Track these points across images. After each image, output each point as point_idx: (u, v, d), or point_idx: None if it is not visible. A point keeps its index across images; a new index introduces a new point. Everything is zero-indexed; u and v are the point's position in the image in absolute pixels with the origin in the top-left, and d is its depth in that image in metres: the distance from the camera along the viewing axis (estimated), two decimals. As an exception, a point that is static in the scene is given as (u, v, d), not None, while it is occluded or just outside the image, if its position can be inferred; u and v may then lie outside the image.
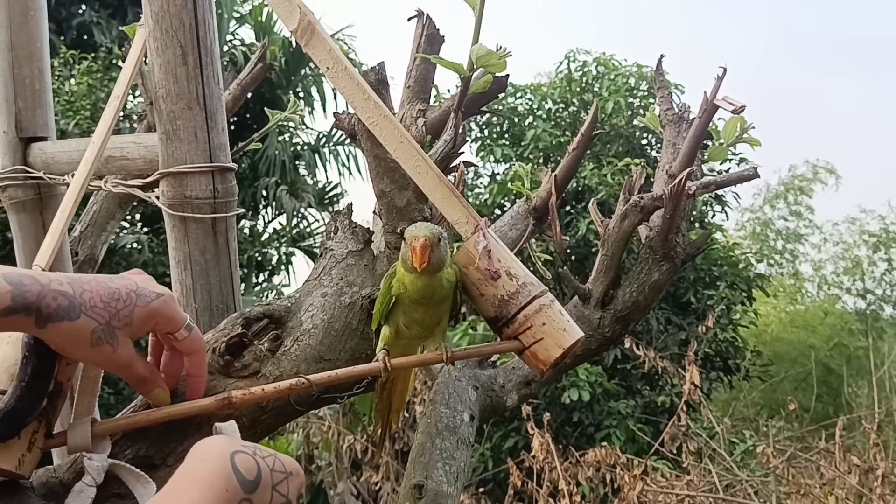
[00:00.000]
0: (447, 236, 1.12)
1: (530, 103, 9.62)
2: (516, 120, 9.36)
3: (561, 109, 9.46)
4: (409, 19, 1.71)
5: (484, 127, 9.49)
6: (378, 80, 1.30)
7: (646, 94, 9.14)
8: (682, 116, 2.01)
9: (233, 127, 10.65)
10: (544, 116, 9.34)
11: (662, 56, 2.06)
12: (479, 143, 9.35)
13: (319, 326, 1.18)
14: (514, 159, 8.59)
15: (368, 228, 1.30)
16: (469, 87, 1.47)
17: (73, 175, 1.47)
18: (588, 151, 8.76)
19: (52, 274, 0.90)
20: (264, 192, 10.60)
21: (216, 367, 1.11)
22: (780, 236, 15.90)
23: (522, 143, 8.73)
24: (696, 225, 8.87)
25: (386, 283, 1.12)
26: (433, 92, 1.79)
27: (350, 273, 1.24)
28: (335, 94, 11.12)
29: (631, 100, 9.15)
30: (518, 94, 9.65)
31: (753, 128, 1.94)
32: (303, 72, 11.46)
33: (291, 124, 11.40)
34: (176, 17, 1.30)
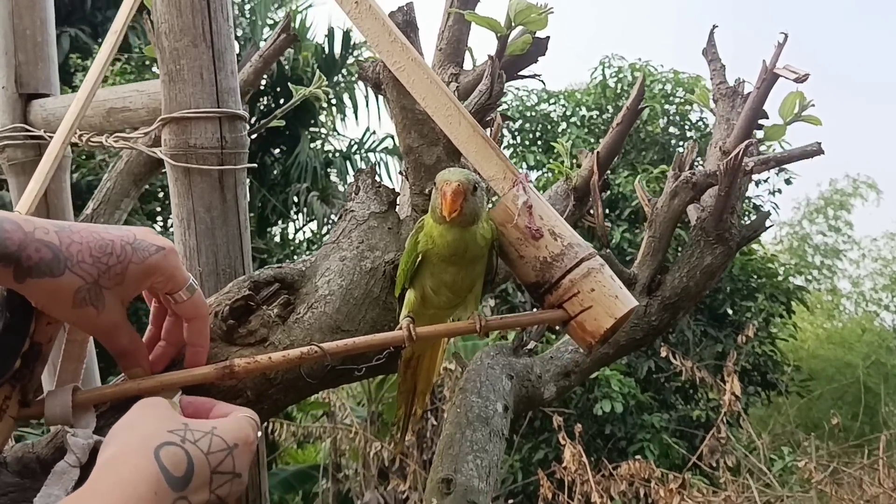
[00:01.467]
0: (484, 187, 0.98)
1: (564, 109, 9.48)
2: (549, 126, 9.22)
3: (595, 116, 9.30)
4: (442, -22, 1.58)
5: (517, 133, 9.36)
6: (406, 22, 1.16)
7: (682, 100, 8.96)
8: (736, 90, 1.85)
9: (264, 133, 10.66)
10: (578, 123, 9.19)
11: (715, 27, 1.91)
12: (512, 149, 9.21)
13: (337, 293, 1.04)
14: (547, 166, 8.44)
15: (393, 189, 1.16)
16: (506, 47, 1.34)
17: (76, 132, 1.36)
18: (623, 158, 8.60)
19: (38, 220, 0.78)
20: (295, 199, 10.54)
21: (218, 332, 0.97)
22: (818, 251, 15.57)
23: (555, 150, 8.56)
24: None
25: (412, 238, 0.99)
26: (467, 58, 1.67)
27: (372, 236, 1.10)
28: (367, 102, 11.06)
29: (667, 106, 8.97)
30: (551, 101, 9.52)
31: (813, 105, 1.78)
32: (335, 79, 11.41)
33: (323, 130, 11.41)
34: (180, -59, 1.18)
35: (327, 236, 1.10)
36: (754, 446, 5.54)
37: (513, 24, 1.28)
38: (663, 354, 5.28)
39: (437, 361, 1.20)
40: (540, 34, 1.40)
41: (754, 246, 8.89)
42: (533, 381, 1.62)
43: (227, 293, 1.01)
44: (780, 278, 8.94)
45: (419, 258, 0.97)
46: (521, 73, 1.57)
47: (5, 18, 1.56)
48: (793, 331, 9.29)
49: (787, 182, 9.07)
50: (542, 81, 1.63)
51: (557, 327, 1.03)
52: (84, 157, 6.66)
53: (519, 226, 0.98)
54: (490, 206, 1.04)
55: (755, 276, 8.49)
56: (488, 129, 1.25)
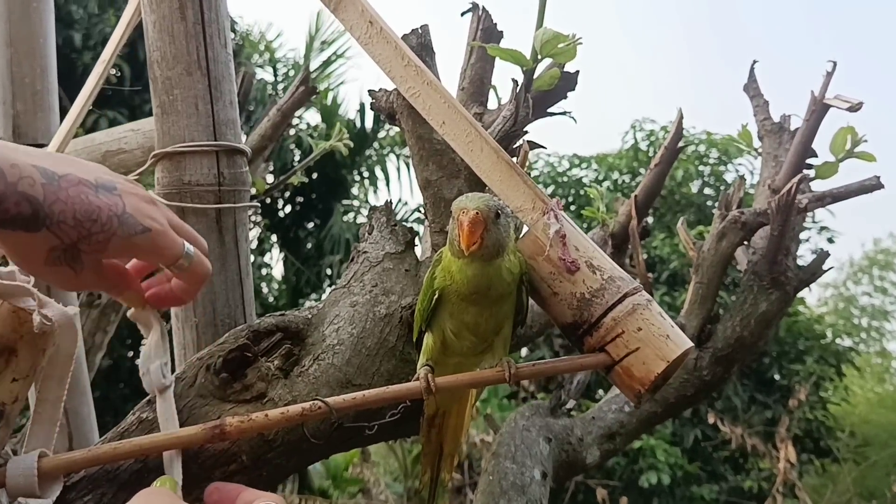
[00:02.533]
0: (510, 213, 0.86)
1: (596, 174, 9.40)
2: (581, 192, 9.12)
3: (628, 180, 9.19)
4: (462, 14, 1.50)
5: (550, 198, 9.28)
6: (421, 45, 1.07)
7: (717, 161, 8.83)
8: (782, 126, 1.73)
9: (298, 208, 10.75)
10: (611, 187, 9.09)
11: (755, 62, 1.81)
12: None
13: (347, 343, 0.92)
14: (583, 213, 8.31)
15: (411, 228, 1.05)
16: (533, 81, 1.24)
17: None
18: (658, 221, 8.46)
19: (28, 166, 0.70)
20: (328, 271, 10.56)
21: (210, 388, 0.85)
22: (864, 313, 15.17)
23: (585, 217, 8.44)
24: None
25: (429, 273, 0.86)
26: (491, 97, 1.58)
27: (387, 279, 0.98)
28: (399, 174, 11.13)
29: (701, 167, 8.85)
30: (583, 165, 9.45)
31: (866, 141, 1.65)
32: (367, 152, 11.55)
33: (356, 203, 11.46)
34: (172, -38, 1.10)
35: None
36: (813, 518, 5.22)
37: (539, 56, 1.18)
38: (710, 421, 5.04)
39: (464, 419, 1.05)
40: (569, 67, 1.29)
41: (800, 307, 8.62)
42: (574, 444, 1.46)
43: (221, 344, 0.89)
44: (827, 340, 8.61)
45: (436, 296, 0.84)
46: (550, 109, 1.47)
47: (3, 67, 1.49)
48: (845, 394, 8.90)
49: (830, 241, 8.82)
50: (573, 119, 1.53)
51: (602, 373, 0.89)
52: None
53: (551, 258, 0.85)
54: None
55: (802, 338, 8.18)
56: (514, 159, 1.14)
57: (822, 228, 8.76)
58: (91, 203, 0.73)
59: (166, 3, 1.08)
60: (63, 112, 1.59)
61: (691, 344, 0.84)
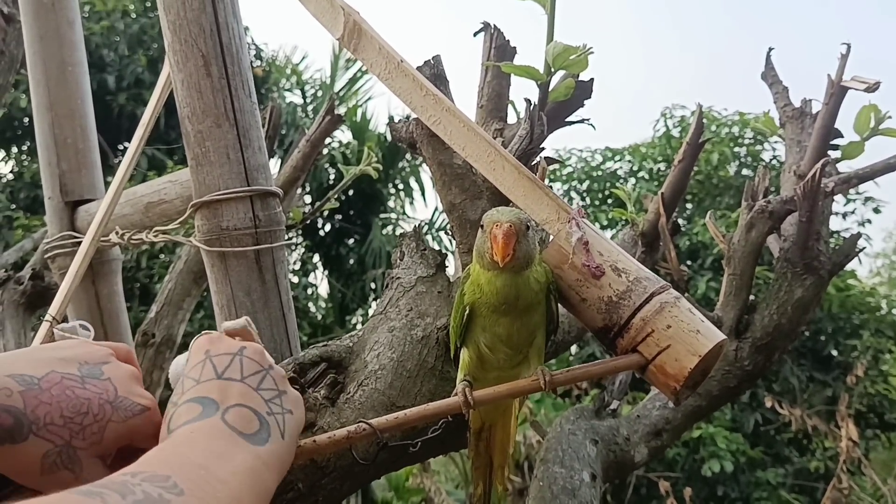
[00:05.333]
0: (536, 227, 0.90)
1: (630, 165, 9.36)
2: (616, 184, 9.08)
3: (663, 168, 9.13)
4: (475, 34, 1.54)
5: (585, 194, 9.26)
6: (434, 76, 1.11)
7: (752, 141, 8.72)
8: (803, 111, 1.74)
9: (337, 226, 10.87)
10: (646, 177, 9.04)
11: (771, 49, 1.81)
12: (582, 209, 9.08)
13: (388, 367, 0.97)
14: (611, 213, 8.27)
15: (440, 251, 1.09)
16: (549, 94, 1.27)
17: (118, 232, 1.34)
18: (697, 206, 8.37)
19: (1, 377, 0.68)
20: (372, 285, 10.66)
21: (262, 421, 0.90)
22: (919, 281, 14.78)
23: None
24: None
25: (459, 290, 0.90)
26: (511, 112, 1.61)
27: (421, 302, 1.03)
28: (433, 183, 11.18)
29: (737, 149, 8.75)
30: (616, 158, 9.41)
31: (889, 117, 1.64)
32: (400, 164, 11.63)
33: (393, 215, 11.55)
34: (195, 23, 1.15)
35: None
36: (881, 493, 5.12)
37: (552, 69, 1.22)
38: (768, 405, 4.99)
39: (510, 430, 1.09)
40: (583, 76, 1.33)
41: (851, 281, 8.46)
42: (621, 443, 1.48)
43: (269, 378, 0.94)
44: (883, 312, 8.43)
45: (467, 311, 0.88)
46: (568, 119, 1.50)
47: (46, 130, 1.59)
48: (906, 366, 8.70)
49: (876, 211, 8.64)
50: (591, 126, 1.56)
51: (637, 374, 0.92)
52: (154, 256, 6.80)
53: (576, 265, 0.89)
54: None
55: (857, 313, 8.02)
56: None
57: (868, 199, 8.60)
58: (78, 396, 0.71)
59: (192, 62, 1.14)
60: (104, 163, 1.67)
61: (723, 337, 0.86)
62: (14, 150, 8.61)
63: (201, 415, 0.67)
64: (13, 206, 7.83)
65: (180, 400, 0.70)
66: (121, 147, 8.56)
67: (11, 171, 8.58)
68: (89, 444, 0.71)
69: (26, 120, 7.97)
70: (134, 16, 8.83)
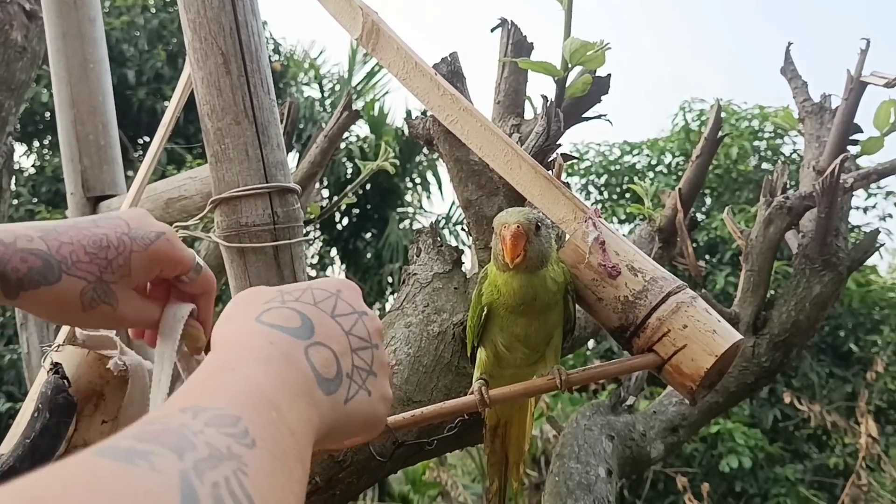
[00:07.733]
0: (550, 225, 0.90)
1: (648, 159, 9.30)
2: (635, 178, 9.04)
3: (681, 162, 9.07)
4: (492, 30, 1.54)
5: (603, 188, 9.22)
6: (451, 73, 1.12)
7: (772, 135, 8.65)
8: (822, 106, 1.73)
9: (355, 220, 10.91)
10: (665, 171, 8.99)
11: (790, 44, 1.80)
12: (600, 204, 9.06)
13: (404, 362, 0.98)
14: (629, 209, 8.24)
15: (457, 247, 1.10)
16: (566, 90, 1.28)
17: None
18: (716, 200, 8.31)
19: (20, 228, 0.70)
20: (389, 279, 10.69)
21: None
22: (941, 276, 14.57)
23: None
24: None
25: (476, 290, 0.91)
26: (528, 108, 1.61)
27: (437, 298, 1.04)
28: (450, 179, 11.17)
29: (756, 143, 8.68)
30: (634, 152, 9.36)
31: (911, 111, 1.63)
32: (417, 158, 11.64)
33: (411, 210, 11.57)
34: (214, 21, 1.16)
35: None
36: (902, 491, 5.09)
37: (569, 65, 1.22)
38: (787, 401, 4.96)
39: (526, 427, 1.09)
40: (600, 72, 1.33)
41: (872, 276, 8.38)
42: (637, 439, 1.49)
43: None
44: (905, 307, 8.33)
45: (485, 311, 0.89)
46: (585, 114, 1.50)
47: (68, 127, 1.61)
48: (928, 362, 8.61)
49: (897, 205, 8.54)
50: (608, 122, 1.56)
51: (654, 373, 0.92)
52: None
53: (592, 265, 0.89)
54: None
55: (877, 308, 7.95)
56: (550, 172, 1.18)
57: (889, 193, 8.51)
58: (95, 233, 0.73)
59: (212, 60, 1.15)
60: (124, 157, 1.68)
61: (740, 337, 0.86)
62: (36, 144, 8.70)
63: (294, 331, 0.57)
64: (35, 200, 7.92)
65: (286, 299, 0.62)
66: (140, 141, 8.63)
67: (33, 166, 8.67)
68: (119, 276, 0.73)
69: (48, 114, 8.05)
70: (154, 11, 8.89)
